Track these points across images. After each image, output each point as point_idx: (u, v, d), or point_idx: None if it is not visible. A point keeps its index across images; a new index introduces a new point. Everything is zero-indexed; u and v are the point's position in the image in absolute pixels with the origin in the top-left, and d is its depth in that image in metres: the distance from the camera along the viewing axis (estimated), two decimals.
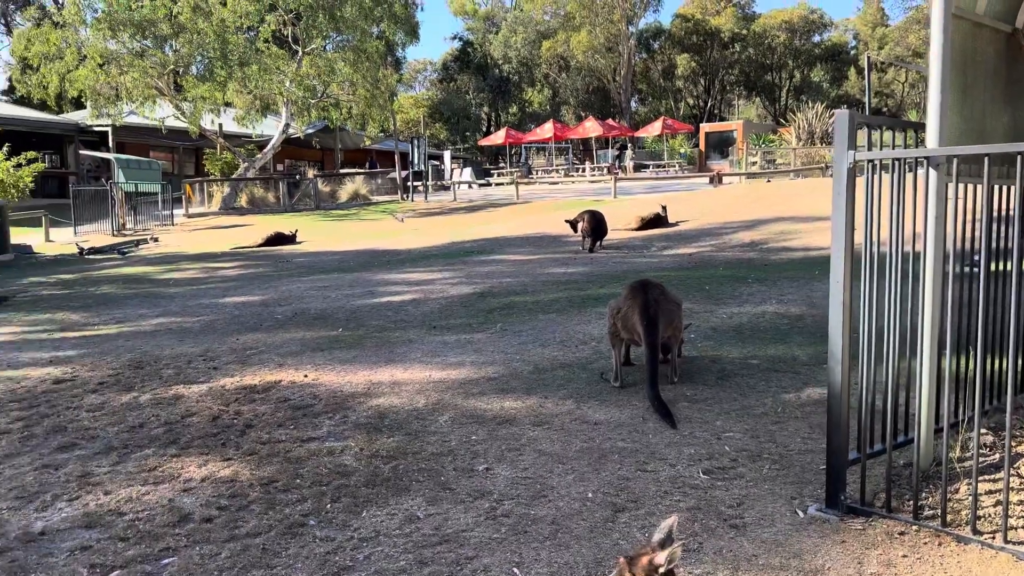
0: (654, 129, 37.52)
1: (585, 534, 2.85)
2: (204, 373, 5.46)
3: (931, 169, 2.83)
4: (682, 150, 37.94)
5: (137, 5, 23.89)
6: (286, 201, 25.85)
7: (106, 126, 28.46)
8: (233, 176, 27.47)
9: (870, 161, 2.83)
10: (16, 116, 30.46)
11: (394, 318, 7.22)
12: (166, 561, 2.81)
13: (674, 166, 34.80)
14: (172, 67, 25.27)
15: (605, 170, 31.89)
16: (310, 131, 29.77)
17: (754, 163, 28.83)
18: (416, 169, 27.39)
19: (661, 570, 1.89)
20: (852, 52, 55.38)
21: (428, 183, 27.79)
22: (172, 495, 3.38)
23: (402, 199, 26.87)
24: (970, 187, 3.11)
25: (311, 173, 29.46)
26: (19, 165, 22.67)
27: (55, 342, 7.02)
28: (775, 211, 13.72)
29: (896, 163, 2.86)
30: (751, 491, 3.17)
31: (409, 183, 27.08)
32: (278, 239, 16.24)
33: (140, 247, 17.62)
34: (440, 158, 38.56)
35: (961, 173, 2.93)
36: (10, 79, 35.07)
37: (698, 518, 2.93)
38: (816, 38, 54.74)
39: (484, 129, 54.40)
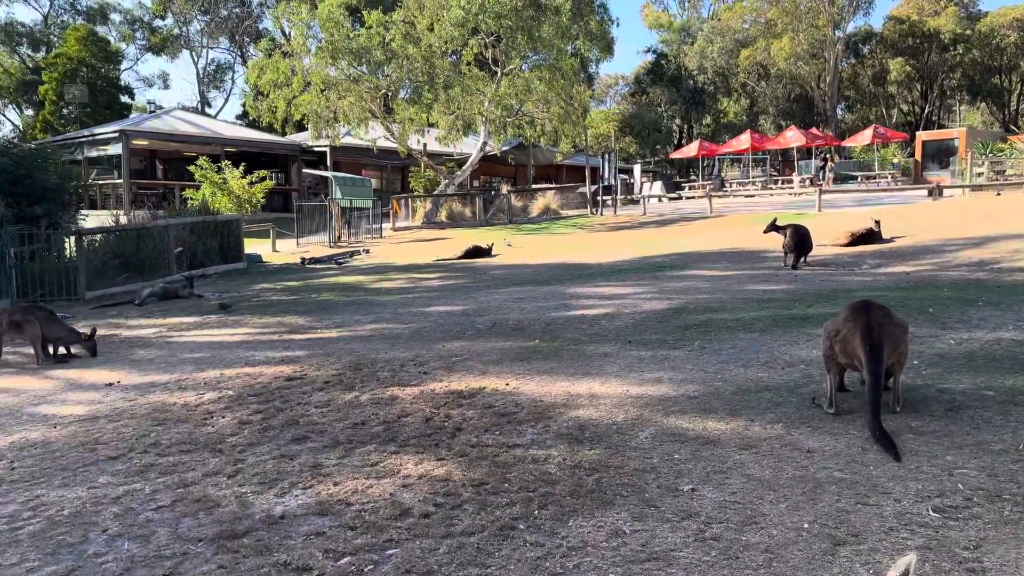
0: (863, 138, 35.17)
1: (803, 565, 2.73)
2: (415, 377, 5.81)
3: None
4: (895, 160, 35.24)
5: (354, 34, 25.95)
6: (482, 216, 26.89)
7: (324, 146, 31.15)
8: (434, 192, 28.99)
9: None
10: (250, 138, 34.10)
11: (588, 331, 7.29)
12: (390, 552, 3.02)
13: (885, 177, 32.41)
14: (384, 91, 27.16)
15: (807, 182, 30.33)
16: (505, 148, 30.81)
17: (980, 174, 26.22)
18: (606, 183, 27.51)
19: None
20: None
21: (617, 197, 27.82)
22: (393, 490, 3.62)
23: (591, 213, 27.07)
24: None
25: (505, 188, 30.46)
26: (252, 183, 25.34)
27: (284, 343, 7.77)
28: (1008, 227, 12.40)
29: None
30: (990, 534, 2.88)
31: (598, 197, 27.26)
32: (475, 252, 16.93)
33: (353, 258, 19.04)
34: (630, 172, 38.49)
35: None
36: (244, 104, 39.28)
37: (929, 559, 2.72)
38: None
39: (675, 142, 53.62)
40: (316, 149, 32.69)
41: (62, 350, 7.88)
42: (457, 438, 4.33)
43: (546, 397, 5.08)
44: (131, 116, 43.51)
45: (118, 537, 3.36)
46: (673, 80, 52.28)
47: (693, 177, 41.73)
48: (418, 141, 29.08)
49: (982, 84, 50.73)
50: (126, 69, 54.08)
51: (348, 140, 30.25)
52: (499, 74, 26.94)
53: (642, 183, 36.15)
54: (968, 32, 47.90)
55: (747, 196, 29.53)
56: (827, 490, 3.37)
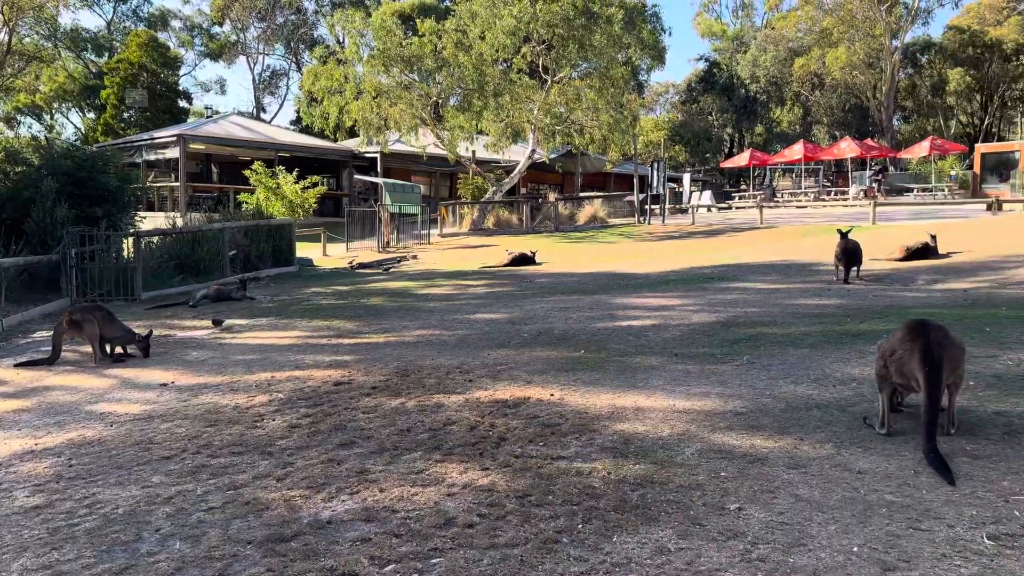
0: (920, 149, 34.35)
1: None
2: (461, 385, 5.85)
3: None
4: (952, 172, 34.33)
5: (406, 42, 26.29)
6: (528, 223, 26.95)
7: (375, 153, 31.57)
8: (482, 199, 29.15)
9: None
10: (304, 144, 34.77)
11: (635, 343, 7.25)
12: (434, 561, 3.05)
13: (942, 190, 31.60)
14: (434, 99, 27.44)
15: (861, 193, 29.71)
16: (554, 156, 30.84)
17: None
18: (654, 192, 27.36)
19: None
20: None
21: (666, 206, 27.62)
22: (437, 498, 3.66)
23: (639, 222, 26.92)
24: None
25: (552, 196, 30.48)
26: (304, 188, 25.82)
27: (333, 347, 7.89)
28: None
29: None
30: None
31: (647, 206, 27.09)
32: (521, 259, 16.98)
33: (402, 263, 19.26)
34: (679, 180, 38.16)
35: None
36: (297, 111, 40.02)
37: None
38: None
39: (726, 151, 53.03)
40: (367, 155, 33.16)
41: (119, 349, 8.12)
42: (501, 448, 4.35)
43: (591, 409, 5.07)
44: (189, 121, 44.73)
45: (170, 537, 3.45)
46: (725, 89, 51.75)
47: (744, 187, 41.21)
48: (467, 148, 29.30)
49: None
50: (184, 74, 55.64)
51: (398, 147, 30.65)
52: (549, 82, 27.01)
53: (691, 192, 35.80)
54: None
55: (798, 207, 29.06)
56: (878, 513, 3.30)
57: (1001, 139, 45.51)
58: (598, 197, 30.96)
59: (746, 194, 36.35)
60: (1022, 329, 6.89)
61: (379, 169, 32.71)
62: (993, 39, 46.95)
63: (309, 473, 4.13)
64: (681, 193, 35.73)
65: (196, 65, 64.40)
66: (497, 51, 25.44)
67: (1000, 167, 32.64)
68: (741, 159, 39.43)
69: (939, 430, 4.16)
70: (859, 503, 3.42)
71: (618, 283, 12.70)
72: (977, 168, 33.21)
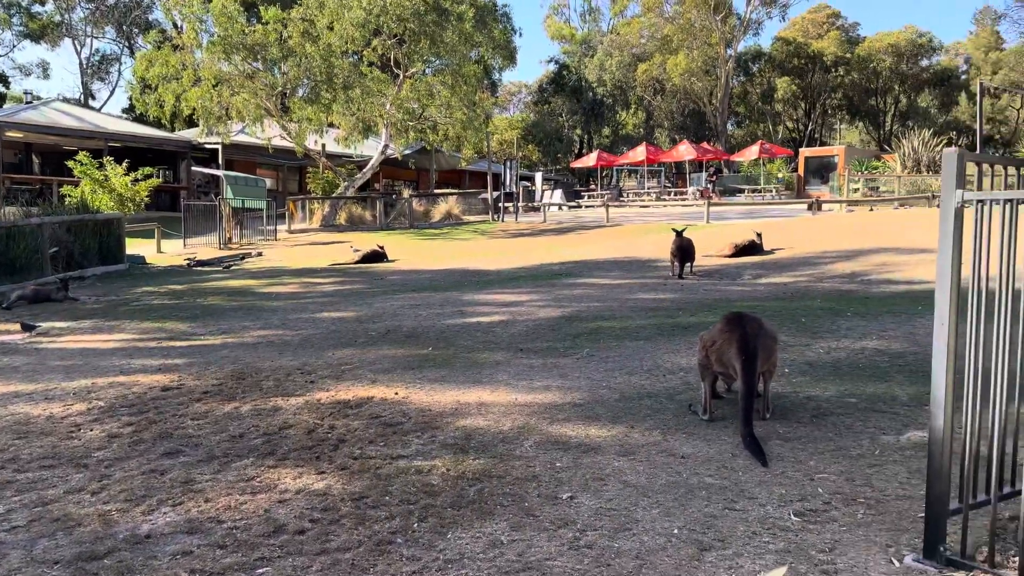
0: (751, 153, 36.85)
1: (670, 571, 2.82)
2: (301, 387, 5.67)
3: None
4: (780, 175, 37.04)
5: (250, 29, 25.19)
6: (382, 219, 26.58)
7: (216, 144, 30.05)
8: (333, 195, 28.46)
9: (979, 201, 2.72)
10: (136, 133, 32.52)
11: (483, 339, 7.31)
12: (260, 571, 2.93)
13: (771, 191, 34.03)
14: (280, 89, 26.47)
15: (698, 194, 31.46)
16: (407, 152, 30.57)
17: (856, 190, 27.88)
18: (507, 190, 27.73)
19: None
20: (963, 77, 52.97)
21: (519, 204, 28.07)
22: (268, 506, 3.52)
23: (493, 219, 27.22)
24: None
25: (406, 193, 30.22)
26: (136, 180, 24.17)
27: (164, 350, 7.44)
28: (877, 241, 13.22)
29: (1008, 204, 2.74)
30: (844, 536, 3.06)
31: (500, 204, 27.43)
32: (373, 256, 16.72)
33: (245, 261, 18.44)
34: (531, 179, 38.93)
35: None
36: (130, 98, 37.43)
37: (787, 562, 2.85)
38: (924, 62, 52.68)
39: (576, 151, 54.63)
40: (207, 146, 31.50)
41: None
42: (340, 450, 4.25)
43: (435, 406, 5.06)
44: (5, 107, 40.76)
45: None
46: (575, 91, 53.30)
47: (593, 186, 42.63)
48: (316, 142, 28.48)
49: (860, 105, 54.06)
50: (1, 56, 50.67)
51: (241, 138, 29.32)
52: (401, 77, 26.75)
53: (543, 191, 36.64)
54: (848, 55, 51.00)
55: (642, 206, 30.38)
56: (697, 495, 3.50)
57: (823, 144, 49.61)
58: (453, 194, 31.02)
59: (595, 193, 37.63)
60: (832, 320, 7.53)
61: (220, 161, 31.16)
62: (815, 51, 51.10)
63: (128, 485, 3.86)
64: (534, 192, 36.48)
65: (14, 46, 58.77)
66: (347, 43, 24.88)
67: (821, 170, 35.59)
68: (590, 160, 40.79)
69: (755, 415, 4.47)
70: (681, 487, 3.61)
71: (470, 280, 12.78)
72: (801, 171, 36.06)
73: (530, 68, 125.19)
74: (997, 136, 51.80)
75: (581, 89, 53.01)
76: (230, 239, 22.49)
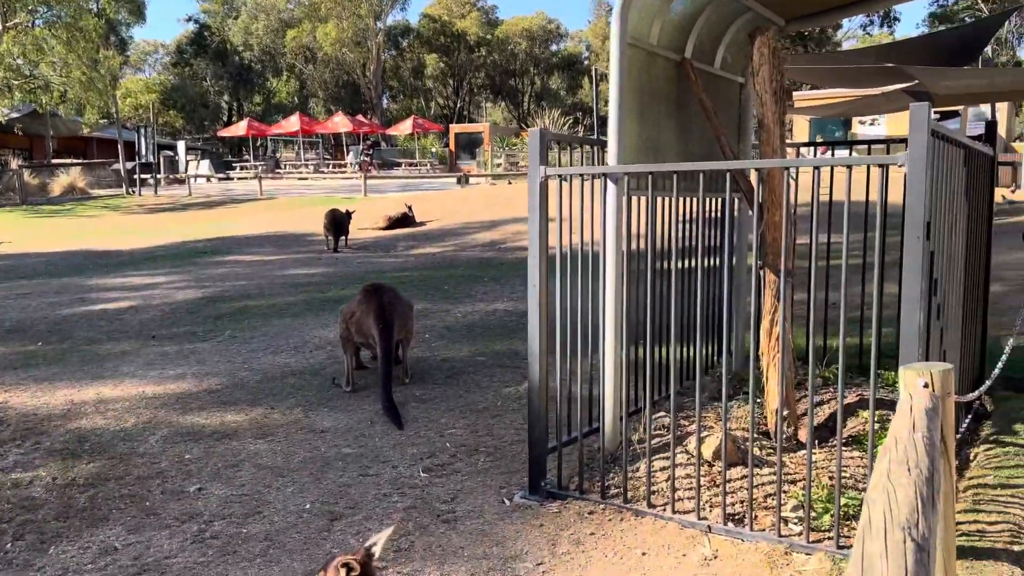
0: (405, 127, 37.78)
1: (299, 547, 2.82)
2: None
3: (612, 183, 3.14)
4: (433, 149, 38.57)
5: None
6: None
7: None
8: None
9: (560, 176, 3.08)
10: None
11: (107, 328, 6.61)
12: None
13: (426, 165, 35.29)
14: None
15: (357, 167, 31.56)
16: (14, 115, 26.23)
17: (499, 165, 30.09)
18: (144, 160, 25.20)
19: (350, 574, 1.92)
20: (585, 63, 59.63)
21: (159, 176, 25.70)
22: None
23: (128, 193, 24.59)
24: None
25: (15, 163, 25.96)
26: None
27: None
28: (514, 212, 14.41)
29: (581, 178, 3.14)
30: (465, 484, 3.32)
31: (136, 176, 24.85)
32: None
33: None
34: (174, 148, 35.83)
35: (635, 187, 3.29)
36: None
37: (413, 517, 3.02)
38: (554, 47, 58.24)
39: (225, 119, 51.42)
40: None
41: None
42: None
43: (42, 409, 4.46)
44: None
45: None
46: (219, 54, 49.88)
47: (246, 157, 40.52)
48: None
49: (502, 85, 58.20)
50: None
51: None
52: (2, 27, 22.77)
53: (188, 161, 33.90)
54: (489, 37, 54.47)
55: (300, 179, 29.66)
56: (334, 467, 3.54)
57: (471, 121, 52.54)
58: (76, 165, 27.32)
59: (248, 165, 35.82)
60: (471, 286, 8.08)
61: None
62: (459, 30, 53.73)
63: None
64: (177, 162, 33.60)
65: None
66: None
67: (470, 145, 37.73)
68: (239, 128, 38.58)
69: (396, 381, 4.65)
70: (319, 461, 3.63)
71: (96, 262, 11.42)
72: (452, 146, 37.90)
73: (167, 26, 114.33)
74: None
75: (226, 52, 49.80)
76: None
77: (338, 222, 11.54)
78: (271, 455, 3.71)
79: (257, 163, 35.16)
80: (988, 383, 3.06)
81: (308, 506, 3.15)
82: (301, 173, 32.64)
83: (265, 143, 41.20)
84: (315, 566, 2.67)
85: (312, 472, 3.49)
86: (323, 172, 32.91)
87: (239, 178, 30.06)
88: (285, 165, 36.02)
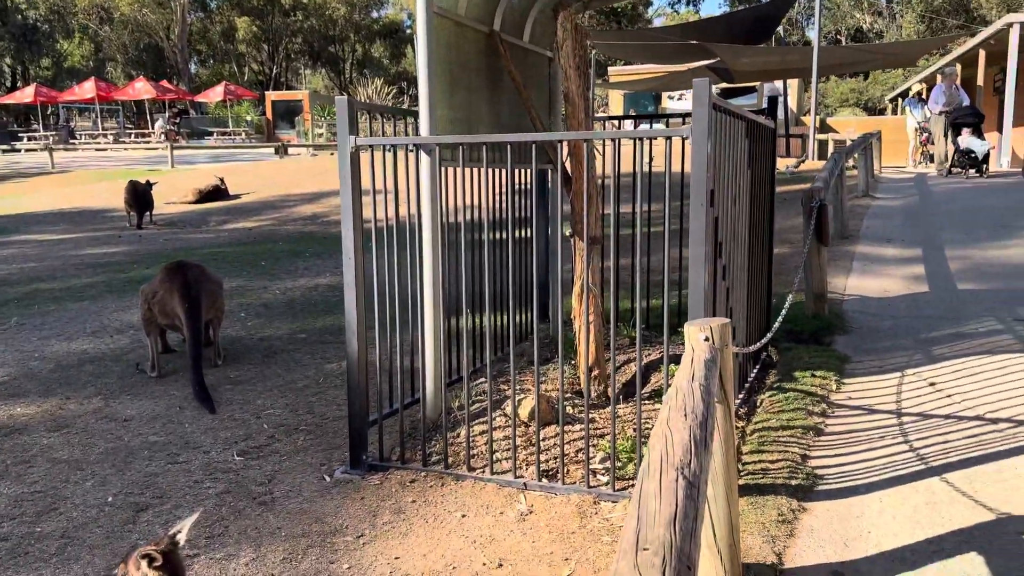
0: (216, 94, 35.63)
1: (100, 542, 2.65)
2: None
3: (425, 154, 3.15)
4: (248, 118, 36.69)
5: None
6: None
7: None
8: None
9: (371, 146, 3.04)
10: None
11: None
12: None
13: (240, 135, 33.53)
14: None
15: (163, 136, 29.42)
16: None
17: (321, 134, 29.16)
18: None
19: (152, 564, 1.84)
20: (408, 31, 58.79)
21: None
22: None
23: None
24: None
25: None
26: None
27: None
28: (337, 184, 14.07)
29: (394, 148, 3.12)
30: (283, 465, 3.25)
31: None
32: None
33: None
34: None
35: (448, 159, 3.31)
36: None
37: (227, 501, 2.92)
38: (375, 14, 56.93)
39: (8, 85, 46.15)
40: None
41: None
42: None
43: None
44: None
45: None
46: None
47: (35, 127, 36.63)
48: None
49: (321, 51, 56.17)
50: None
51: None
52: None
53: None
54: (305, 1, 52.27)
55: (98, 150, 27.27)
56: (139, 457, 3.34)
57: (290, 88, 50.38)
58: None
59: (37, 135, 32.37)
60: (292, 261, 7.83)
61: None
62: None
63: None
64: None
65: None
66: None
67: (289, 114, 36.18)
68: (25, 95, 34.75)
69: (207, 363, 4.44)
70: (122, 451, 3.41)
71: None
72: (270, 115, 36.18)
73: None
74: None
75: (6, 10, 44.54)
76: None
77: (141, 195, 10.74)
78: (67, 448, 3.44)
79: (48, 133, 31.94)
80: (769, 335, 3.40)
81: (111, 499, 2.95)
82: (99, 144, 30.01)
83: (57, 111, 37.48)
84: (118, 560, 2.53)
85: (115, 463, 3.28)
86: (124, 143, 30.45)
87: (27, 149, 27.19)
88: (81, 135, 33.00)
